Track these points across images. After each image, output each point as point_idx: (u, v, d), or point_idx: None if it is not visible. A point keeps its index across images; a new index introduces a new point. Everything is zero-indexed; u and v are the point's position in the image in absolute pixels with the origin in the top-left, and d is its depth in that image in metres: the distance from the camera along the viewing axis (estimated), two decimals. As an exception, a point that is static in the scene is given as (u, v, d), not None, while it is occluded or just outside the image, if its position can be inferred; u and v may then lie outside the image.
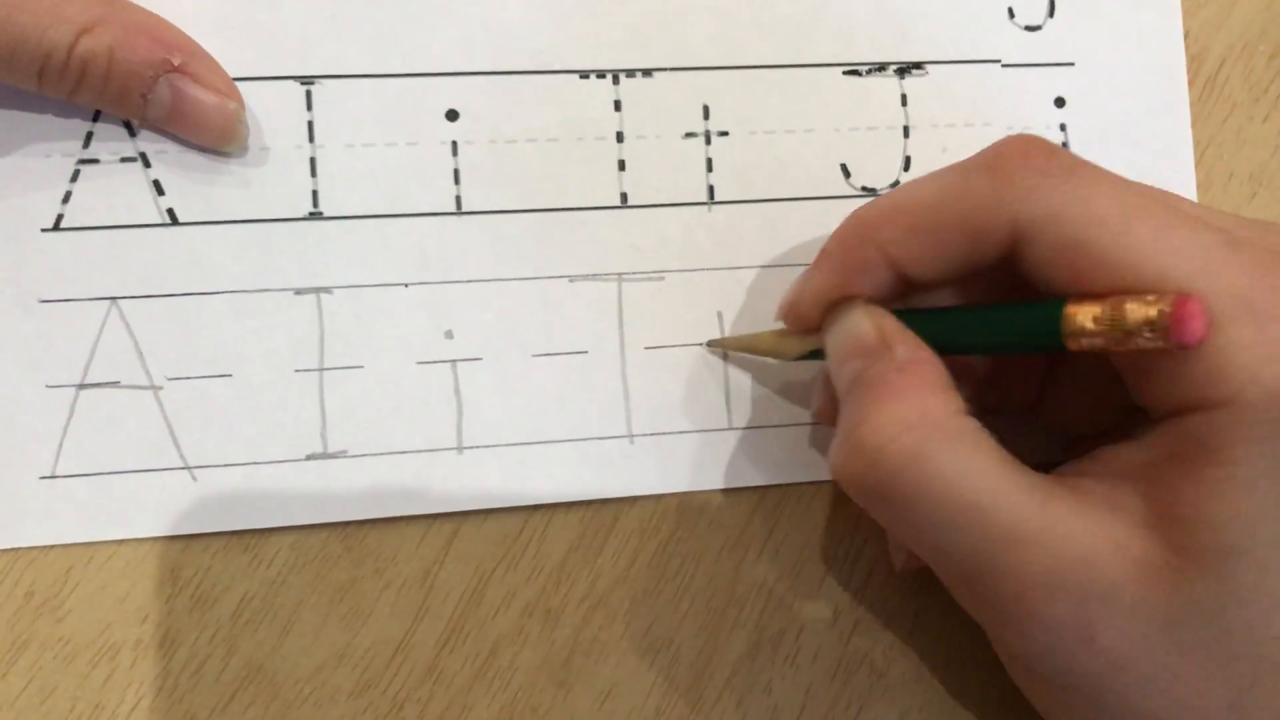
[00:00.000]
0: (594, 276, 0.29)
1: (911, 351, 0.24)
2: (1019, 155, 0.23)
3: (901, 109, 0.31)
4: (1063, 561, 0.21)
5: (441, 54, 0.29)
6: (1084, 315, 0.22)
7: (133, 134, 0.28)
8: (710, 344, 0.29)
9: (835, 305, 0.26)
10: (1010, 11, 0.32)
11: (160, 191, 0.28)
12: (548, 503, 0.29)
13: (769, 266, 0.30)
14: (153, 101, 0.26)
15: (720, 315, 0.30)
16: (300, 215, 0.28)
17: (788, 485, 0.30)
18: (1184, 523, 0.21)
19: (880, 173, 0.31)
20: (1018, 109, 0.31)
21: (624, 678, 0.29)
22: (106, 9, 0.26)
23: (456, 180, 0.29)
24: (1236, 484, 0.20)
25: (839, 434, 0.24)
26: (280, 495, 0.28)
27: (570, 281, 0.29)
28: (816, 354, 0.27)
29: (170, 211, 0.28)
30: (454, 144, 0.29)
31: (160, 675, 0.27)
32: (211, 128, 0.27)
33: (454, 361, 0.28)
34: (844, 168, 0.31)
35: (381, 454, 0.28)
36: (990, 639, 0.25)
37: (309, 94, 0.28)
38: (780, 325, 0.28)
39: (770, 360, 0.30)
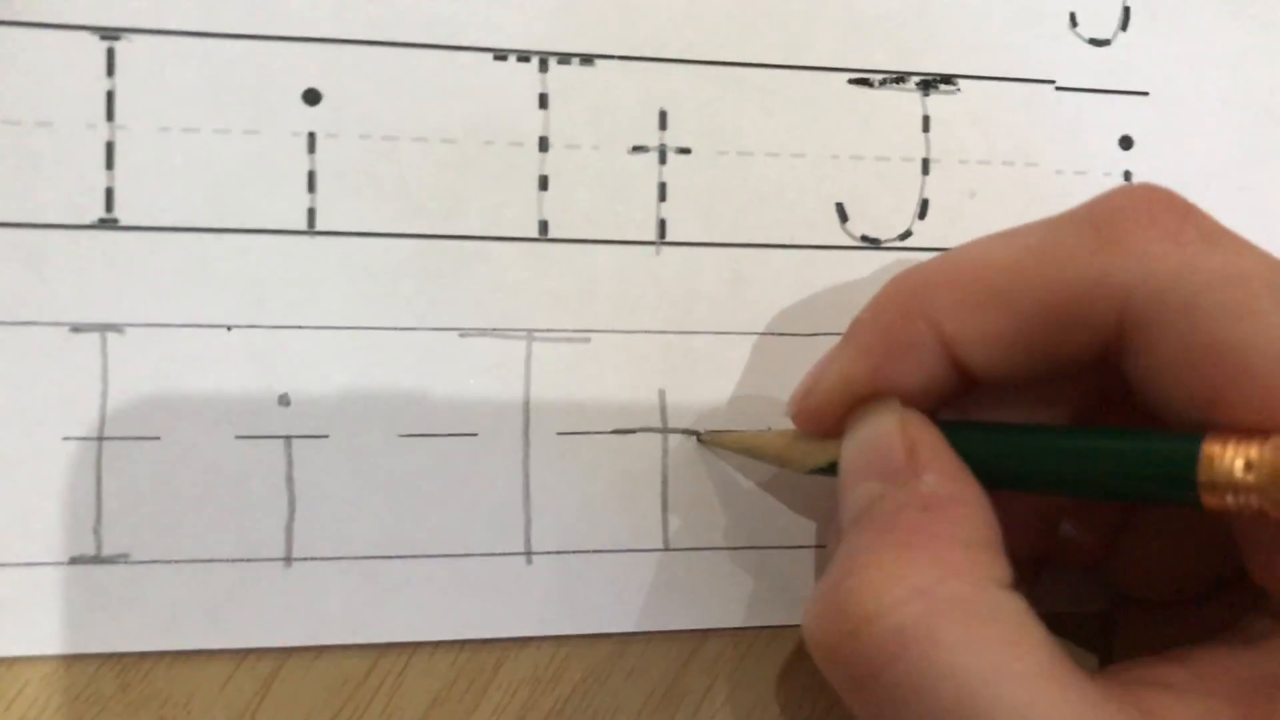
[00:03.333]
0: (494, 331, 0.25)
1: (947, 484, 0.21)
2: (1141, 211, 0.20)
3: (922, 135, 0.27)
4: None
5: (302, 11, 0.24)
6: (1231, 458, 0.18)
7: None
8: (703, 438, 0.25)
9: (861, 402, 0.22)
10: (1073, 18, 0.27)
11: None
12: (407, 640, 0.24)
13: (733, 334, 0.26)
14: None
15: (663, 394, 0.25)
16: (86, 222, 0.24)
17: (735, 630, 0.26)
18: None
19: (887, 219, 0.26)
20: (1072, 148, 0.27)
21: None
22: None
23: (311, 186, 0.24)
24: None
25: (823, 580, 0.21)
26: (31, 612, 0.23)
27: (460, 336, 0.25)
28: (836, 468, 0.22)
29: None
30: (311, 136, 0.24)
31: None
32: None
33: (289, 438, 0.24)
34: (840, 208, 0.26)
35: (178, 561, 0.24)
36: None
37: (111, 52, 0.24)
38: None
39: (748, 473, 0.25)
